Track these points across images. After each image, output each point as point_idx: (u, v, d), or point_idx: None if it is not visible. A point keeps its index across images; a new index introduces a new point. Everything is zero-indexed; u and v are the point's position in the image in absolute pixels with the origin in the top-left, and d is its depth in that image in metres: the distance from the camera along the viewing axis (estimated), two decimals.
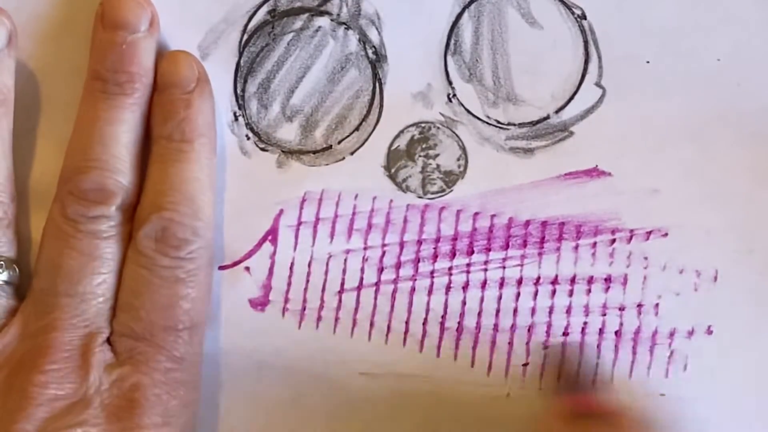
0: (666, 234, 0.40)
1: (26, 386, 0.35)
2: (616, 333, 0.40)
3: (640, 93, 0.40)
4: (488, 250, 0.40)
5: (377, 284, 0.40)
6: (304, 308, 0.40)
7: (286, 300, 0.40)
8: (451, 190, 0.40)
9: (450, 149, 0.40)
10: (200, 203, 0.38)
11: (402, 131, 0.41)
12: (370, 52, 0.40)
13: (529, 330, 0.40)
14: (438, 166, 0.40)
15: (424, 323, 0.40)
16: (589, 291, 0.40)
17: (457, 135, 0.40)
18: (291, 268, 0.40)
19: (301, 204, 0.40)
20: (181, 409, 0.37)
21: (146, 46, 0.39)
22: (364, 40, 0.40)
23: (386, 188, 0.40)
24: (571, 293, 0.40)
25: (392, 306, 0.40)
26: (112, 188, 0.37)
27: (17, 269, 0.38)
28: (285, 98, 0.40)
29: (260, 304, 0.40)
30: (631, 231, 0.40)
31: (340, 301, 0.40)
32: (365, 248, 0.40)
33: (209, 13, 0.40)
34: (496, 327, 0.40)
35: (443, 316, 0.40)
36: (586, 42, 0.40)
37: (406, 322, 0.40)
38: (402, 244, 0.40)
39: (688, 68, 0.40)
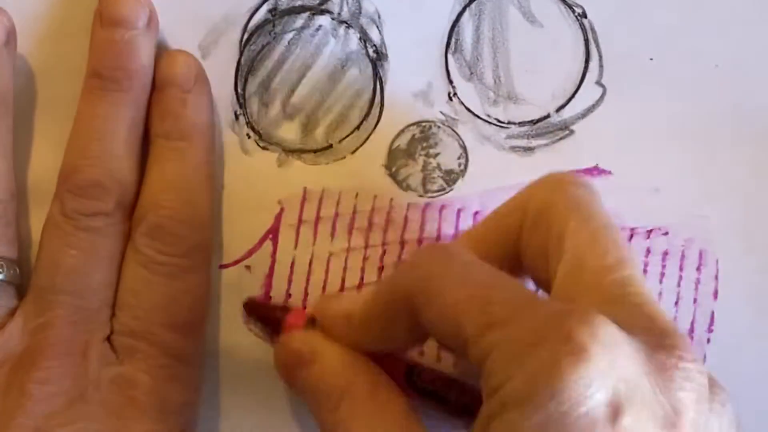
0: (666, 233, 0.40)
1: (25, 383, 0.35)
2: None
3: (641, 92, 0.40)
4: None
5: None
6: (304, 307, 0.40)
7: (287, 298, 0.40)
8: (452, 189, 0.40)
9: (450, 148, 0.40)
10: (198, 201, 0.38)
11: (403, 130, 0.40)
12: (370, 50, 0.40)
13: None
14: (438, 164, 0.40)
15: None
16: None
17: (457, 134, 0.40)
18: (292, 266, 0.40)
19: (301, 203, 0.40)
20: (180, 407, 0.37)
21: (144, 44, 0.38)
22: (364, 38, 0.40)
23: (387, 187, 0.40)
24: None
25: None
26: (109, 185, 0.37)
27: (17, 269, 0.38)
28: (286, 97, 0.40)
29: None
30: (632, 229, 0.40)
31: None
32: (366, 247, 0.40)
33: (210, 12, 0.40)
34: None
35: None
36: (586, 40, 0.40)
37: None
38: (403, 243, 0.40)
39: (688, 67, 0.40)
